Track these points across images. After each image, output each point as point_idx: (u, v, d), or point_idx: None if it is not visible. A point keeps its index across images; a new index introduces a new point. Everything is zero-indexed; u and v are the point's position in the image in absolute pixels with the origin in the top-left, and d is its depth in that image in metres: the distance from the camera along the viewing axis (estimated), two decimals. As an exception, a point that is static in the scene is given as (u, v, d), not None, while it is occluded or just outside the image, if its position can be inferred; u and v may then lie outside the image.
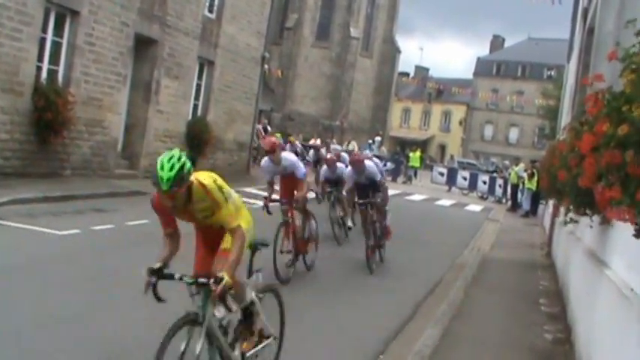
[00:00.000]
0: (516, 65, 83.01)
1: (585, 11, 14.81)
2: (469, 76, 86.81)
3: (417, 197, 29.51)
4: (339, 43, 61.78)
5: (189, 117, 23.04)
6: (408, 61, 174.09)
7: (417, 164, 41.89)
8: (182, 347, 4.50)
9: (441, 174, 40.19)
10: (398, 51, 67.56)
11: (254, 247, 5.49)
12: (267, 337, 5.59)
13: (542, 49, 76.74)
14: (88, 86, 17.47)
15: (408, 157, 43.47)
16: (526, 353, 7.44)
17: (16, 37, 14.92)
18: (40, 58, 16.06)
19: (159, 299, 4.64)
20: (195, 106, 23.67)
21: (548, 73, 75.08)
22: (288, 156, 10.64)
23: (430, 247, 15.50)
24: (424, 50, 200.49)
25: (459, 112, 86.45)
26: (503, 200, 33.46)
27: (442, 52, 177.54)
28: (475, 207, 29.50)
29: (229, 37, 24.71)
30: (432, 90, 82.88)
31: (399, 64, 70.02)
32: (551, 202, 16.46)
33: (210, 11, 23.61)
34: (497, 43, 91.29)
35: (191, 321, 4.66)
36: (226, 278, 4.56)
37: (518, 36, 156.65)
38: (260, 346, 5.48)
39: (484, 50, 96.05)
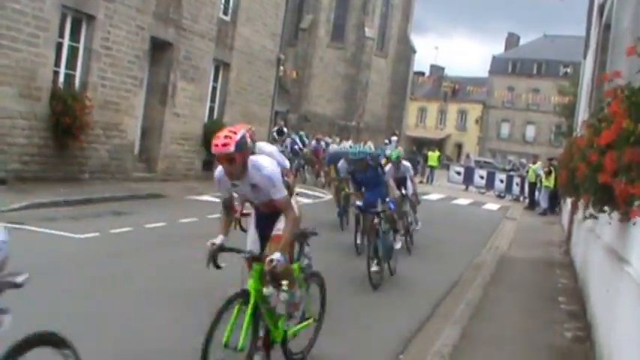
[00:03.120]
0: (532, 63, 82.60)
1: (601, 7, 14.71)
2: (484, 74, 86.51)
3: (433, 197, 29.44)
4: (354, 44, 61.76)
5: (206, 119, 23.13)
6: (423, 60, 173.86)
7: (435, 164, 41.77)
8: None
9: (458, 173, 40.11)
10: (413, 50, 67.44)
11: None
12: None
13: (557, 46, 76.37)
14: (104, 90, 17.58)
15: (425, 157, 43.36)
16: (546, 352, 7.40)
17: (33, 43, 15.03)
18: (57, 63, 16.19)
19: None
20: (212, 109, 23.74)
21: (564, 70, 74.63)
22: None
23: (448, 246, 15.46)
24: (439, 49, 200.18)
25: (475, 111, 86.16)
26: (521, 198, 33.32)
27: (457, 50, 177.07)
28: (492, 206, 29.40)
29: (244, 39, 24.77)
30: (448, 89, 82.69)
31: (414, 63, 69.89)
32: (569, 200, 16.37)
33: (225, 13, 23.68)
34: (512, 40, 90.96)
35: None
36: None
37: (533, 33, 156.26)
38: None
39: (499, 48, 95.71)
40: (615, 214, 6.15)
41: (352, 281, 10.15)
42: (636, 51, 3.95)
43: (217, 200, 9.67)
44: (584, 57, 21.40)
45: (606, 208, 5.92)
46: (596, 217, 6.91)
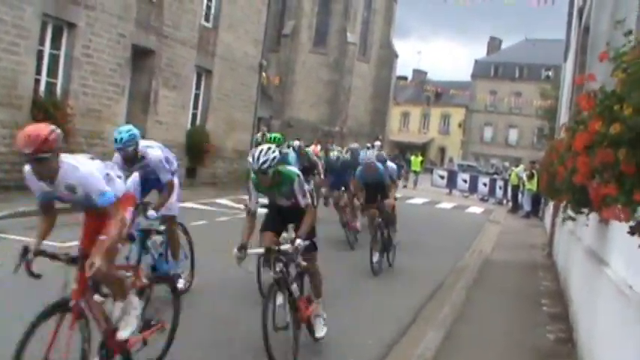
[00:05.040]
0: (514, 66, 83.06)
1: (580, 11, 14.87)
2: (467, 78, 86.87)
3: (417, 201, 29.52)
4: (337, 49, 61.79)
5: (189, 127, 23.12)
6: (406, 64, 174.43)
7: (418, 169, 41.90)
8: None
9: (442, 177, 40.26)
10: (395, 55, 67.54)
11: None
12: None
13: (539, 49, 76.80)
14: (86, 98, 17.54)
15: (408, 161, 43.46)
16: (529, 354, 7.44)
17: (13, 51, 14.99)
18: (38, 71, 16.14)
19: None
20: (194, 116, 23.73)
21: (546, 73, 75.21)
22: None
23: (431, 250, 15.50)
24: (421, 53, 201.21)
25: (457, 115, 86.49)
26: (504, 202, 33.46)
27: (440, 54, 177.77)
28: (476, 209, 29.51)
29: (226, 45, 24.78)
30: (431, 93, 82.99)
31: (397, 68, 70.01)
32: (551, 203, 16.49)
33: (207, 20, 23.70)
34: (494, 44, 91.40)
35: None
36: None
37: (514, 37, 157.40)
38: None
39: (481, 51, 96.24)
40: (593, 216, 6.22)
41: (335, 286, 10.18)
42: (608, 56, 4.01)
43: (202, 207, 9.62)
44: (565, 60, 21.58)
45: (584, 210, 5.99)
46: (574, 219, 6.97)
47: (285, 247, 6.26)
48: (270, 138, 13.58)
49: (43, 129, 4.67)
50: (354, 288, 10.11)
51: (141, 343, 5.58)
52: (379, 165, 12.29)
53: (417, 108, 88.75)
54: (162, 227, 7.97)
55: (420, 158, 43.18)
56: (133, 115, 20.35)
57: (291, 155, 14.52)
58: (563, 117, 17.39)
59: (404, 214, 19.28)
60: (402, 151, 66.00)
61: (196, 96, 23.78)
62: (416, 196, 31.25)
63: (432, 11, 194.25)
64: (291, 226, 7.11)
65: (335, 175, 15.88)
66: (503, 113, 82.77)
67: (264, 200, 6.93)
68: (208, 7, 23.74)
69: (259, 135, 28.75)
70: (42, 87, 16.31)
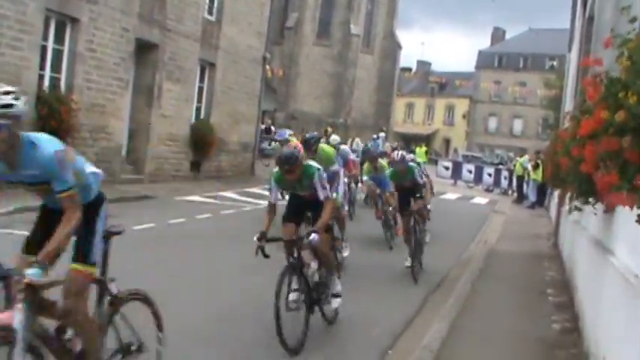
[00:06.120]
0: (518, 57, 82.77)
1: (585, 0, 14.81)
2: (471, 68, 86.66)
3: (422, 192, 29.43)
4: (340, 41, 61.79)
5: (193, 120, 23.10)
6: (410, 55, 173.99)
7: (423, 159, 41.83)
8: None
9: (446, 168, 40.16)
10: (399, 46, 67.50)
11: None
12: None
13: (543, 39, 76.52)
14: (90, 93, 17.53)
15: (413, 152, 43.39)
16: (534, 344, 7.44)
17: (17, 47, 14.98)
18: (42, 67, 16.13)
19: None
20: (198, 109, 23.71)
21: (550, 63, 74.90)
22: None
23: (436, 241, 15.43)
24: (425, 44, 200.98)
25: (462, 106, 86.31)
26: (509, 192, 33.41)
27: (443, 45, 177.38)
28: (481, 200, 29.47)
29: (230, 38, 24.74)
30: (435, 84, 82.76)
31: (401, 59, 69.96)
32: (556, 193, 16.45)
33: (210, 13, 23.65)
34: (498, 35, 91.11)
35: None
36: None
37: (518, 27, 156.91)
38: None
39: (485, 41, 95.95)
40: (599, 206, 6.21)
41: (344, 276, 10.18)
42: (612, 43, 4.00)
43: (206, 200, 9.64)
44: (569, 50, 21.51)
45: (590, 199, 5.97)
46: (580, 210, 6.95)
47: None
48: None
49: None
50: (356, 280, 10.10)
51: None
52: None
53: (421, 99, 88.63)
54: None
55: (424, 149, 43.13)
56: (137, 109, 20.34)
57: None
58: (568, 106, 17.34)
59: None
60: (407, 142, 65.90)
61: (200, 89, 23.75)
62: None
63: (434, 2, 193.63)
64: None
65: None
66: (508, 103, 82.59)
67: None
68: (211, 1, 23.68)
69: (264, 127, 28.91)
70: (46, 82, 16.29)
